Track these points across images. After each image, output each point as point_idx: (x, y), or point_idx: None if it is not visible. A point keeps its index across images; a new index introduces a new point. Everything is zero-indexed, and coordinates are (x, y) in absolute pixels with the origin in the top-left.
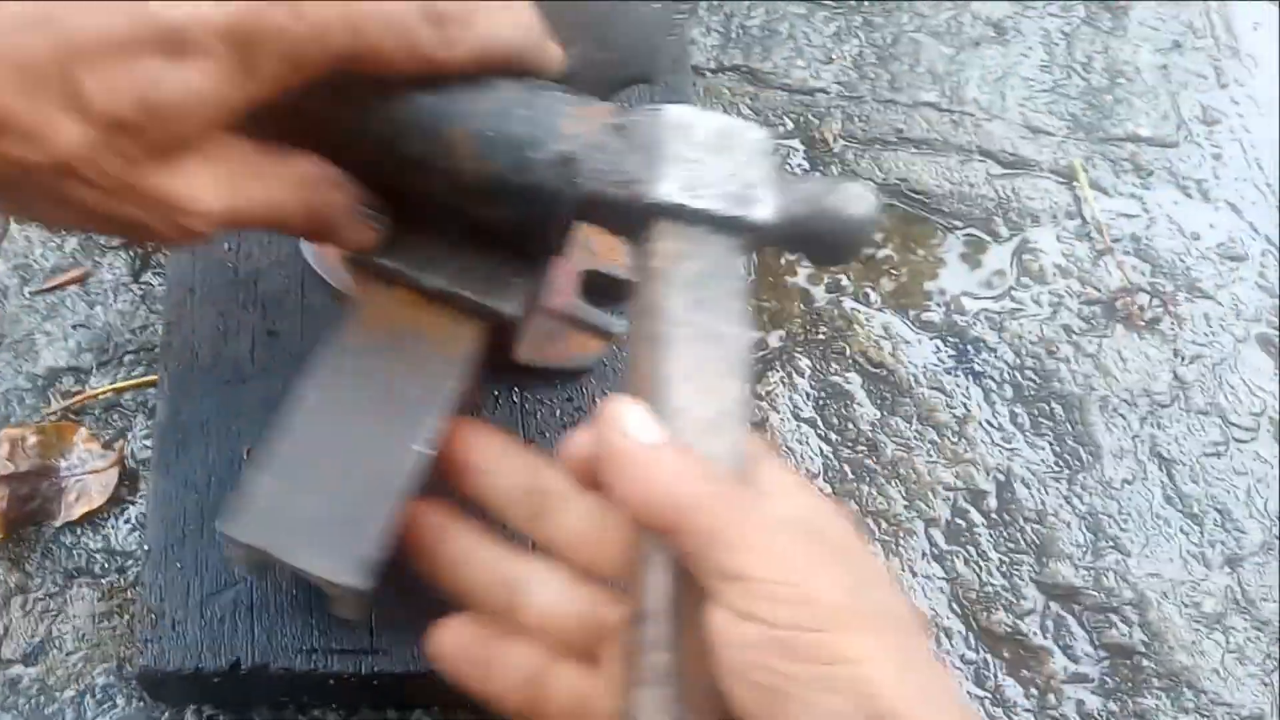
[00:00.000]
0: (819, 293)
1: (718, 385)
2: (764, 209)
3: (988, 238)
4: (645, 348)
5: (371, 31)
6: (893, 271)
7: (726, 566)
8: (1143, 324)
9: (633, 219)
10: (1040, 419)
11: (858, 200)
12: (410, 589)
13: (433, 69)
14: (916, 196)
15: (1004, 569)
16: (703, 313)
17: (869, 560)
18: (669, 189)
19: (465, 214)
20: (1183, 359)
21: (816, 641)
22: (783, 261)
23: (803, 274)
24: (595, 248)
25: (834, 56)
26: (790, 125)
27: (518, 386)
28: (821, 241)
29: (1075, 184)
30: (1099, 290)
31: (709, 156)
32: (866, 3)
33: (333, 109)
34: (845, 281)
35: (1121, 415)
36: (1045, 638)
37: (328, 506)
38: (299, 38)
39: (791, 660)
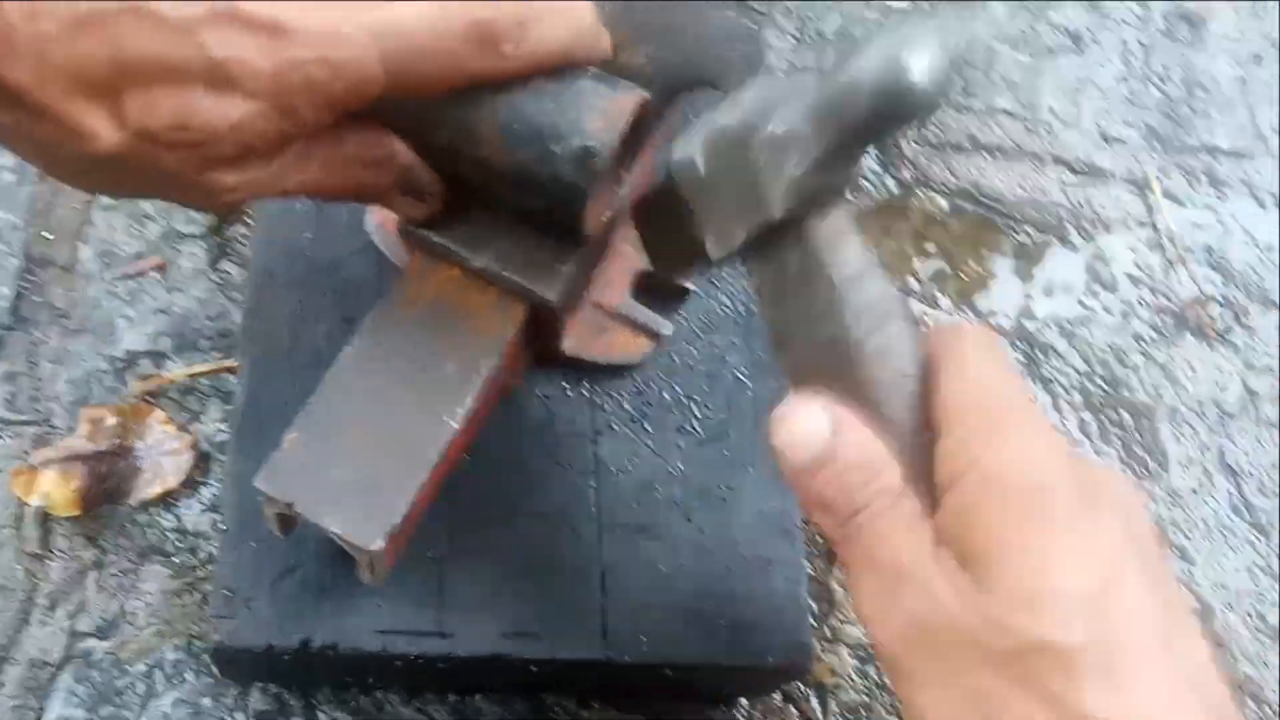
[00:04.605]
0: None
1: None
2: (775, 206)
3: (1060, 245)
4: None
5: (416, 69)
6: (963, 276)
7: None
8: (1214, 334)
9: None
10: (1109, 426)
11: (887, 73)
12: (477, 575)
13: (484, 81)
14: (989, 202)
15: None
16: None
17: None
18: (711, 248)
19: (505, 200)
20: (1254, 370)
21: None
22: None
23: None
24: None
25: None
26: None
27: (589, 380)
28: (871, 132)
29: (1149, 193)
30: (1170, 300)
31: (725, 179)
32: (941, 11)
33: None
34: (915, 285)
35: (1190, 425)
36: None
37: (358, 470)
38: (338, 92)
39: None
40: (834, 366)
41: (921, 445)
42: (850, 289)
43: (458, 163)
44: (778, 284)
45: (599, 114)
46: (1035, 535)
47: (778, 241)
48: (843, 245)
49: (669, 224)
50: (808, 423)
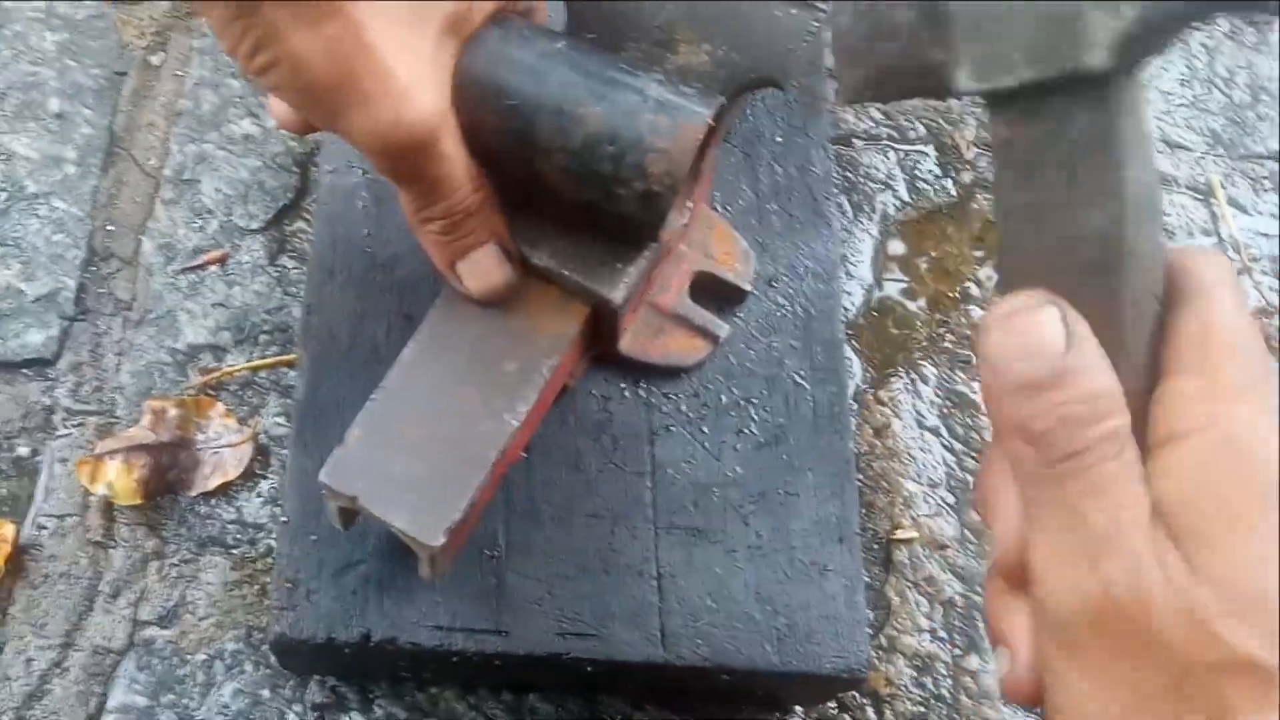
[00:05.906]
0: (946, 301)
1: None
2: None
3: None
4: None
5: None
6: None
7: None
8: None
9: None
10: None
11: None
12: (535, 574)
13: None
14: None
15: None
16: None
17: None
18: (963, 78)
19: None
20: None
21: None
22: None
23: (930, 281)
24: (712, 251)
25: None
26: (923, 130)
27: (646, 380)
28: None
29: (1213, 201)
30: None
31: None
32: None
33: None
34: (975, 290)
35: None
36: None
37: (420, 466)
38: None
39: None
40: (1083, 267)
41: (1146, 384)
42: (1138, 175)
43: (537, 191)
44: (1040, 151)
45: (662, 158)
46: (1273, 523)
47: (1067, 97)
48: (1141, 117)
49: (905, 37)
50: (1040, 329)
